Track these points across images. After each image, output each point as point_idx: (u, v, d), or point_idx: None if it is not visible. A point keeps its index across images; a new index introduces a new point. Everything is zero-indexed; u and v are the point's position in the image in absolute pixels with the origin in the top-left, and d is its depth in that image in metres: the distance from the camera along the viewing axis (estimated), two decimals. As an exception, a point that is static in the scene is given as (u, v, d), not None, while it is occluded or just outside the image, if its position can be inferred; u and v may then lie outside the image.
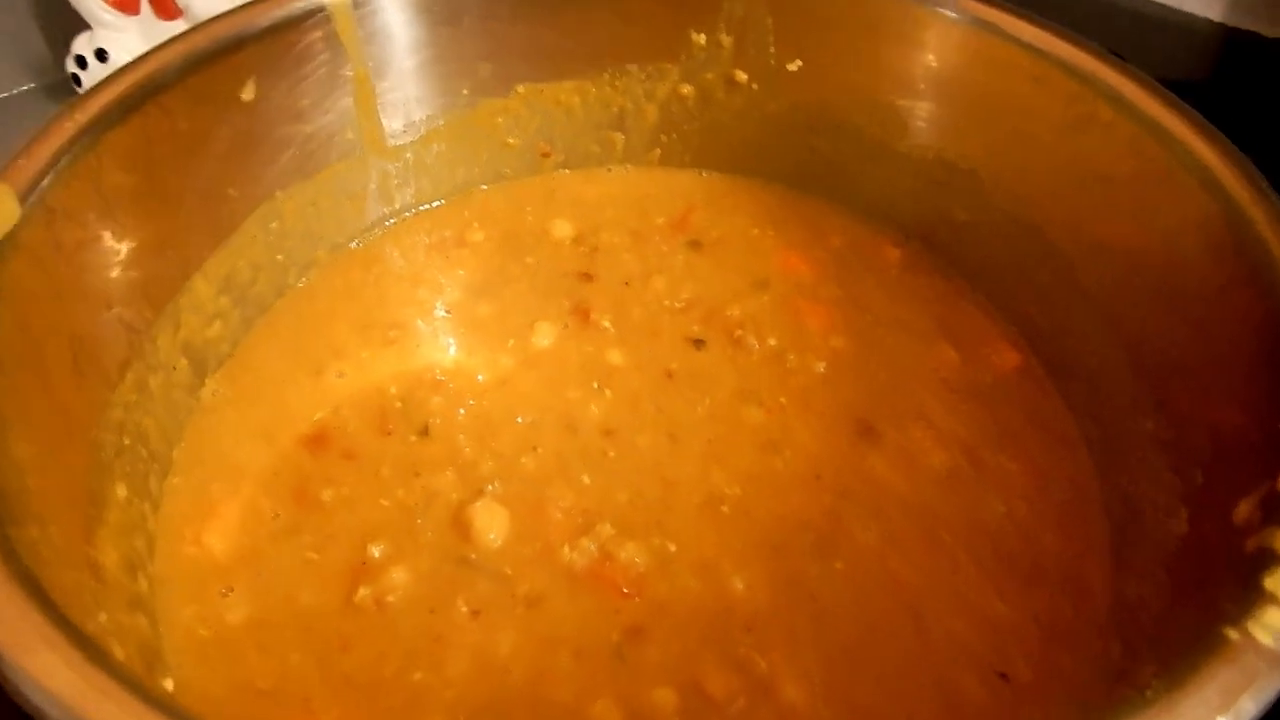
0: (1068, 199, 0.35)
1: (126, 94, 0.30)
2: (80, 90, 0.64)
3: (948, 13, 0.36)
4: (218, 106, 0.33)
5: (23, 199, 0.27)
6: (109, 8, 0.62)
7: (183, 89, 0.32)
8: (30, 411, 0.25)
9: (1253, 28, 0.54)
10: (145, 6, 0.63)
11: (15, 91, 0.70)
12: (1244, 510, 0.23)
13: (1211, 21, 0.55)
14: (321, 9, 0.35)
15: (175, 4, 0.62)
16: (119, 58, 0.63)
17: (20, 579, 0.20)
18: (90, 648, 0.19)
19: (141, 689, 0.19)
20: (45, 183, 0.27)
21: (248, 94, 0.34)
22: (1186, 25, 0.56)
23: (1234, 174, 0.29)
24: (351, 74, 0.38)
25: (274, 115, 0.36)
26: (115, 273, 0.30)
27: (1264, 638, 0.18)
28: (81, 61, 0.64)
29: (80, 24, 0.64)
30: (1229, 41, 0.55)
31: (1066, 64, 0.33)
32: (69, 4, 0.64)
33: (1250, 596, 0.19)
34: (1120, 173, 0.32)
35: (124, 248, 0.30)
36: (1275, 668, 0.18)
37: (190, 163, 0.33)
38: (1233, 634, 0.18)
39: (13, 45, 0.69)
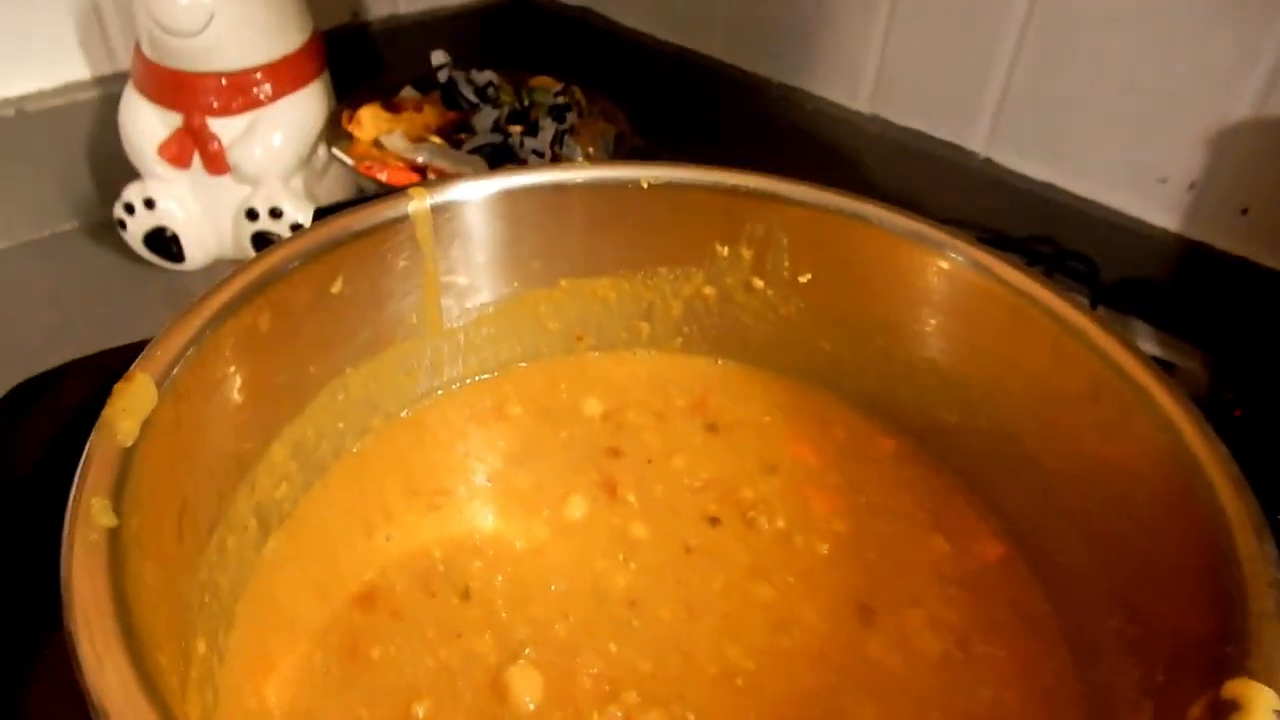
0: (1043, 417, 0.40)
1: (243, 291, 0.35)
2: (124, 233, 0.70)
3: (944, 254, 0.42)
4: (312, 299, 0.38)
5: (158, 384, 0.31)
6: (163, 161, 0.68)
7: (286, 284, 0.37)
8: (153, 575, 0.28)
9: (1206, 240, 0.61)
10: (196, 163, 0.69)
11: (58, 230, 0.75)
12: (1197, 713, 0.27)
13: (1169, 231, 0.62)
14: (406, 217, 0.41)
15: (226, 162, 0.68)
16: (165, 207, 0.69)
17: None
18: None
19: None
20: (175, 371, 0.32)
21: (337, 288, 0.39)
22: (1148, 234, 0.63)
23: (1181, 411, 0.34)
24: (423, 269, 0.43)
25: (355, 304, 0.41)
26: (215, 445, 0.34)
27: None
28: (130, 209, 0.69)
29: (130, 173, 0.70)
30: (1185, 251, 0.62)
31: (1042, 305, 0.39)
32: (122, 155, 0.69)
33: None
34: (1085, 400, 0.37)
35: (228, 423, 0.35)
36: None
37: (285, 347, 0.38)
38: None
39: (61, 185, 0.74)
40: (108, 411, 0.29)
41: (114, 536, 0.26)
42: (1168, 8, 0.56)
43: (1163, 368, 0.36)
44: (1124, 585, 0.35)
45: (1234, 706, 0.25)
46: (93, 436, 0.29)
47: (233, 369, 0.35)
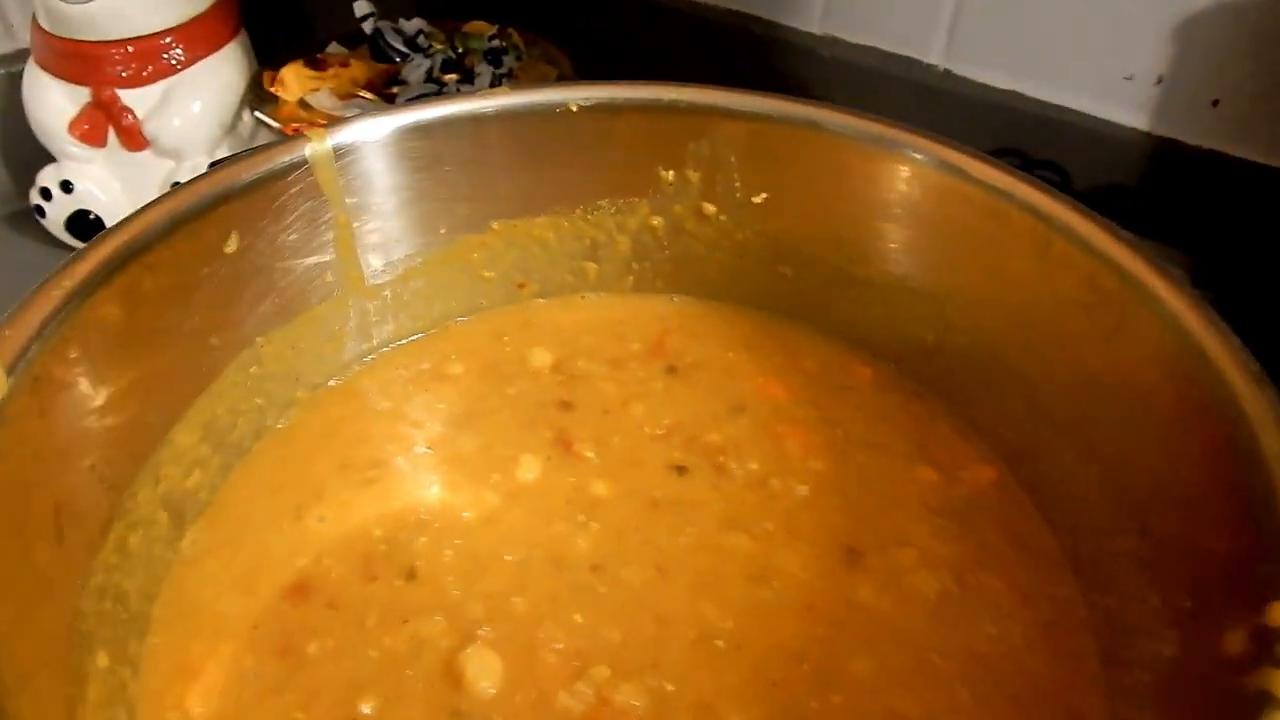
0: (1031, 328, 0.36)
1: (112, 256, 0.31)
2: (44, 221, 0.65)
3: (907, 155, 0.38)
4: (202, 261, 0.34)
5: (9, 371, 0.26)
6: (75, 140, 0.63)
7: (167, 247, 0.32)
8: (12, 585, 0.24)
9: (1176, 136, 0.58)
10: (112, 139, 0.64)
11: (-26, 222, 0.70)
12: (1234, 641, 0.23)
13: (1139, 131, 0.59)
14: (304, 162, 0.36)
15: (143, 136, 0.63)
16: (84, 189, 0.64)
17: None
18: None
19: None
20: (31, 352, 0.27)
21: (231, 246, 0.35)
22: (1118, 135, 0.59)
23: (1186, 306, 0.31)
24: (333, 220, 0.38)
25: (256, 265, 0.36)
26: (99, 433, 0.30)
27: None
28: (46, 194, 0.64)
29: (45, 156, 0.65)
30: (1156, 149, 0.58)
31: (1022, 201, 0.35)
32: (33, 136, 0.64)
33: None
34: (1079, 305, 0.33)
35: (105, 406, 0.30)
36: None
37: (174, 317, 0.33)
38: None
39: (-29, 176, 0.69)
40: (-55, 404, 0.25)
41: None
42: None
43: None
44: (1133, 503, 0.32)
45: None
46: (-75, 433, 0.24)
47: (106, 345, 0.30)
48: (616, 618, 0.34)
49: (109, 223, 0.64)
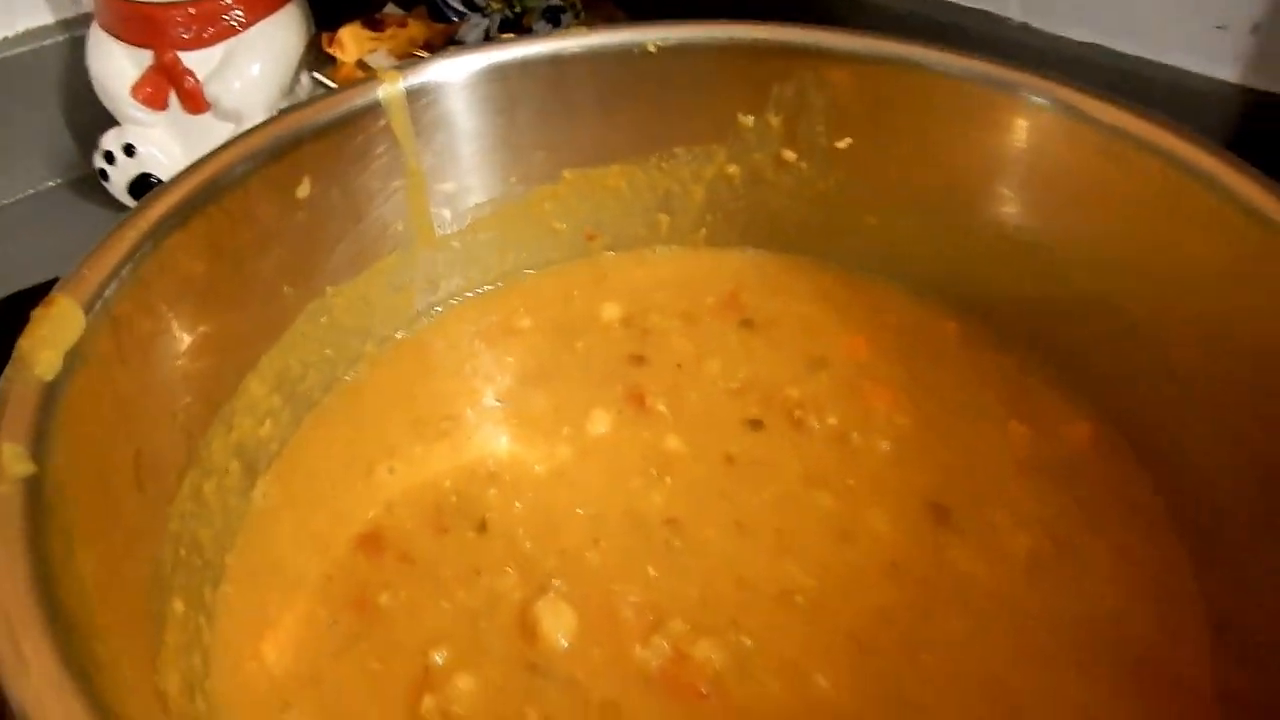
0: (1145, 271, 0.34)
1: (186, 199, 0.30)
2: (108, 185, 0.65)
3: (1019, 95, 0.36)
4: (275, 206, 0.33)
5: (87, 310, 0.26)
6: (137, 104, 0.63)
7: (241, 190, 0.32)
8: (96, 532, 0.24)
9: (1273, 89, 0.54)
10: (174, 102, 0.64)
11: (42, 188, 0.71)
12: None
13: (1232, 84, 0.55)
14: (377, 105, 0.35)
15: (204, 99, 0.63)
16: (147, 152, 0.65)
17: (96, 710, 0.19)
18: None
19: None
20: (108, 292, 0.27)
21: (303, 191, 0.34)
22: (1210, 90, 0.56)
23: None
24: (405, 167, 0.37)
25: (328, 212, 0.35)
26: (176, 380, 0.30)
27: None
28: (109, 157, 0.65)
29: (108, 120, 0.65)
30: (1253, 104, 0.55)
31: (1144, 141, 0.33)
32: (97, 101, 0.65)
33: None
34: (1200, 246, 0.31)
35: (185, 353, 0.30)
36: None
37: (248, 263, 0.33)
38: None
39: (40, 143, 0.70)
40: (23, 342, 0.24)
41: (32, 488, 0.22)
42: None
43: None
44: (1261, 455, 0.30)
45: None
46: (6, 373, 0.24)
47: (184, 291, 0.30)
48: (693, 573, 0.33)
49: (174, 185, 0.65)
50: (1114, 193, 0.34)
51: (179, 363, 0.30)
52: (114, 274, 0.27)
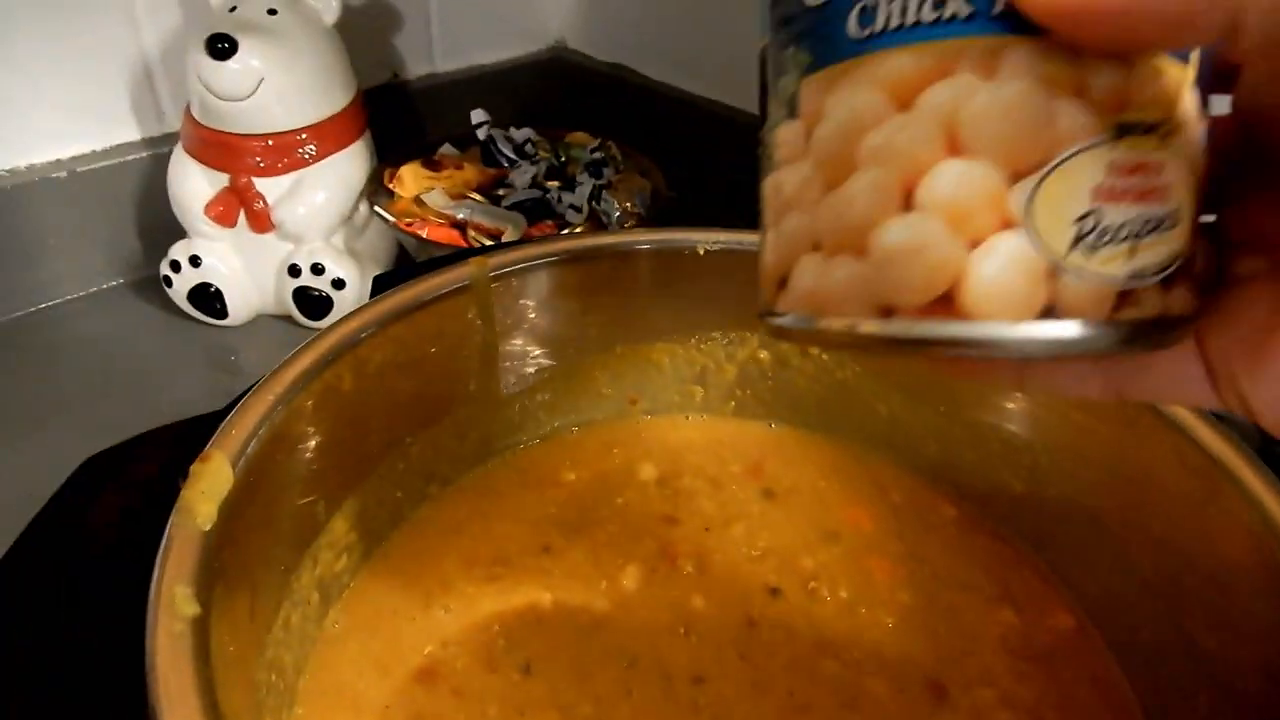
0: (1118, 490, 0.39)
1: (311, 367, 0.35)
2: (169, 290, 0.70)
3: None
4: (377, 368, 0.38)
5: (233, 464, 0.31)
6: (208, 220, 0.69)
7: (352, 357, 0.37)
8: (221, 653, 0.28)
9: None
10: (241, 220, 0.69)
11: (105, 286, 0.76)
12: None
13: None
14: (466, 284, 0.41)
15: (270, 221, 0.69)
16: (210, 264, 0.70)
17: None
18: None
19: None
20: (250, 449, 0.31)
21: (400, 357, 0.39)
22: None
23: (1266, 488, 0.34)
24: (483, 338, 0.43)
25: (417, 373, 0.40)
26: (285, 520, 0.34)
27: None
28: (176, 266, 0.70)
29: (176, 231, 0.70)
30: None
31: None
32: (168, 212, 0.70)
33: None
34: (1170, 479, 0.36)
35: (295, 497, 0.34)
36: None
37: (350, 421, 0.37)
38: None
39: (111, 244, 0.75)
40: (186, 494, 0.29)
41: (198, 625, 0.26)
42: None
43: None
44: (1219, 666, 0.34)
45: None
46: (172, 520, 0.28)
47: (302, 445, 0.35)
48: (716, 728, 0.37)
49: (228, 296, 0.71)
50: (1081, 406, 0.40)
51: (289, 510, 0.35)
52: (254, 433, 0.32)
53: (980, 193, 0.18)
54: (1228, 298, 0.20)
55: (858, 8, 0.18)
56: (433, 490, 0.45)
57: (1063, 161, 0.17)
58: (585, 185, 0.76)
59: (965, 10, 0.17)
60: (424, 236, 0.68)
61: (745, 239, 0.46)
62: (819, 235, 0.20)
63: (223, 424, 0.32)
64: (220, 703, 0.25)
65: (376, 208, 0.71)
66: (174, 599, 0.26)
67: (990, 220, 0.18)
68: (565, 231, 0.70)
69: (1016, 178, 0.17)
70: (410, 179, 0.76)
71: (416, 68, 0.90)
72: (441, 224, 0.71)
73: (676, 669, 0.39)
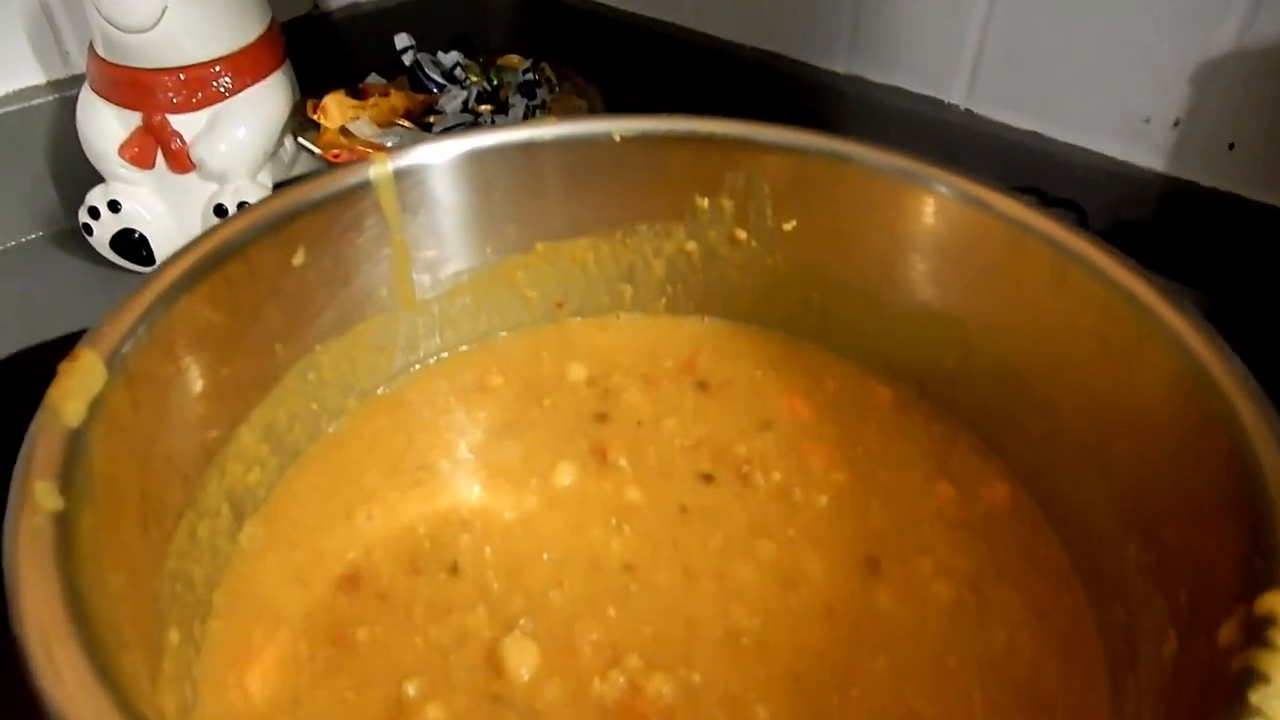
0: (1047, 351, 0.38)
1: (197, 265, 0.33)
2: (91, 239, 0.68)
3: (932, 189, 0.40)
4: (272, 273, 0.37)
5: (107, 364, 0.29)
6: (125, 163, 0.66)
7: (243, 259, 0.35)
8: (113, 563, 0.27)
9: (1193, 178, 0.59)
10: (159, 162, 0.67)
11: (24, 239, 0.73)
12: (1227, 632, 0.25)
13: (1156, 172, 0.60)
14: (368, 184, 0.39)
15: (189, 160, 0.66)
16: (131, 209, 0.67)
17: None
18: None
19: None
20: (126, 348, 0.30)
21: (298, 260, 0.38)
22: (1136, 176, 0.61)
23: (1193, 332, 0.33)
24: (390, 239, 0.41)
25: (320, 278, 0.39)
26: (177, 428, 0.33)
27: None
28: (94, 212, 0.67)
29: (92, 176, 0.68)
30: (1173, 191, 0.60)
31: (1039, 232, 0.37)
32: (82, 159, 0.68)
33: (1238, 710, 0.22)
34: (1094, 330, 0.36)
35: (187, 405, 0.33)
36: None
37: (247, 324, 0.36)
38: (1225, 748, 0.21)
39: (25, 196, 0.72)
40: (52, 392, 0.27)
41: (62, 522, 0.25)
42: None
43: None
44: (1143, 514, 0.34)
45: (1269, 621, 0.24)
46: (36, 418, 0.27)
47: (191, 348, 0.33)
48: (648, 615, 0.36)
49: (154, 242, 0.68)
50: (1012, 277, 0.39)
51: (181, 413, 0.33)
52: (131, 331, 0.30)
53: None
54: None
55: None
56: (351, 404, 0.43)
57: None
58: (519, 108, 0.74)
59: None
60: (351, 165, 0.65)
61: (661, 125, 0.44)
62: None
63: (96, 324, 0.30)
64: (94, 608, 0.24)
65: (301, 140, 0.68)
66: (34, 493, 0.24)
67: None
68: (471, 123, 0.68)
69: None
70: (335, 109, 0.73)
71: (337, -2, 0.86)
72: (369, 154, 0.68)
73: (608, 559, 0.38)
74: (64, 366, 0.28)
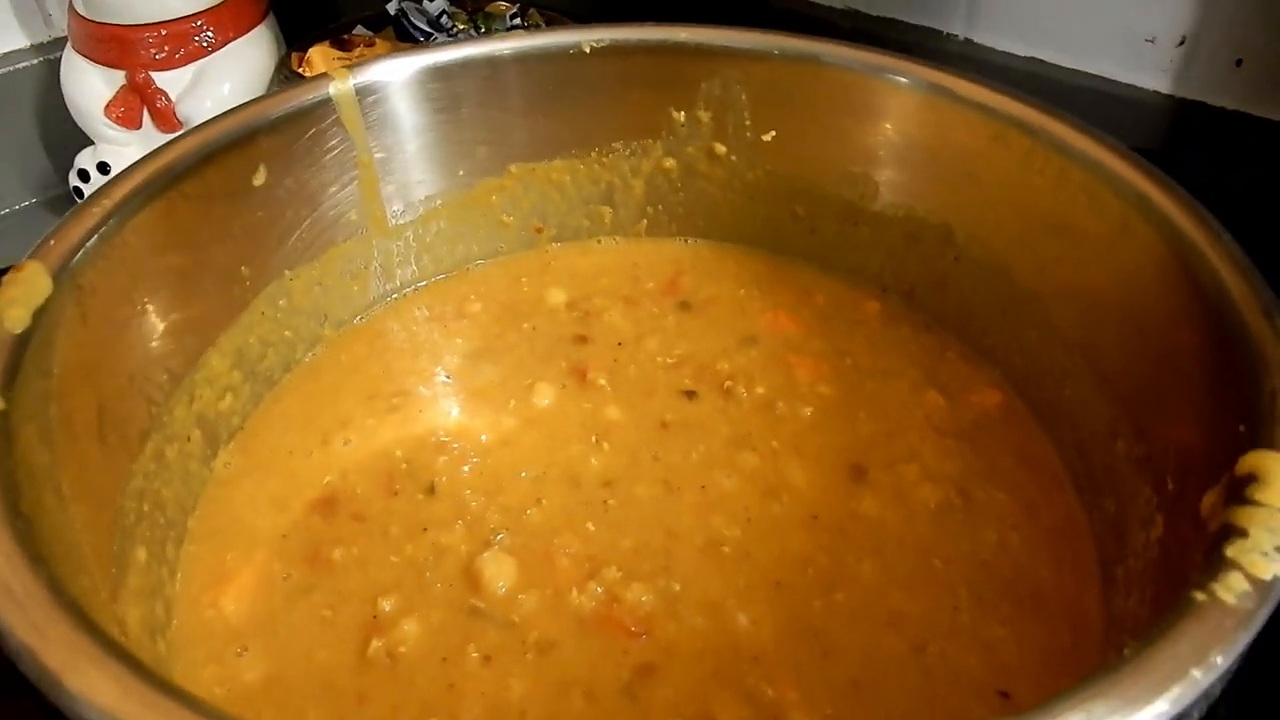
0: (1034, 246, 0.37)
1: (150, 180, 0.33)
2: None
3: (902, 80, 0.39)
4: (232, 191, 0.36)
5: (54, 276, 0.28)
6: (112, 123, 0.65)
7: (199, 176, 0.34)
8: (64, 471, 0.26)
9: (1199, 98, 0.57)
10: (147, 121, 0.66)
11: (18, 206, 0.73)
12: (1209, 502, 0.24)
13: (1161, 94, 0.58)
14: (328, 100, 0.38)
15: (176, 117, 0.65)
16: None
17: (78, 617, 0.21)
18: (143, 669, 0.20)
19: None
20: (75, 261, 0.29)
21: (259, 179, 0.37)
22: (1141, 99, 0.59)
23: (1181, 212, 0.31)
24: (356, 160, 0.40)
25: (284, 200, 0.38)
26: (137, 347, 0.32)
27: (1229, 599, 0.20)
28: (84, 175, 0.67)
29: (83, 140, 0.67)
30: (1179, 112, 0.58)
31: (1017, 120, 0.36)
32: (72, 121, 0.67)
33: (1215, 565, 0.21)
34: (1077, 218, 0.34)
35: (145, 323, 0.32)
36: (1240, 624, 0.19)
37: (207, 244, 0.35)
38: (1201, 597, 0.20)
39: (17, 162, 0.72)
40: (-5, 300, 0.27)
41: (2, 420, 0.24)
42: None
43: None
44: (1133, 405, 0.33)
45: (1250, 479, 0.23)
46: (-21, 325, 0.26)
47: (145, 266, 0.32)
48: (627, 528, 0.35)
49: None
50: (993, 169, 0.38)
51: (139, 331, 0.33)
52: (79, 246, 0.30)
53: None
54: None
55: None
56: (327, 333, 0.43)
57: None
58: (506, 53, 0.72)
59: None
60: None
61: (631, 35, 0.43)
62: None
63: (43, 237, 0.29)
64: (28, 498, 0.23)
65: (285, 91, 0.67)
66: (-27, 393, 0.24)
67: None
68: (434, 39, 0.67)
69: None
70: (320, 61, 0.72)
71: (319, -54, 0.85)
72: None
73: (587, 475, 0.38)
74: (8, 277, 0.28)
